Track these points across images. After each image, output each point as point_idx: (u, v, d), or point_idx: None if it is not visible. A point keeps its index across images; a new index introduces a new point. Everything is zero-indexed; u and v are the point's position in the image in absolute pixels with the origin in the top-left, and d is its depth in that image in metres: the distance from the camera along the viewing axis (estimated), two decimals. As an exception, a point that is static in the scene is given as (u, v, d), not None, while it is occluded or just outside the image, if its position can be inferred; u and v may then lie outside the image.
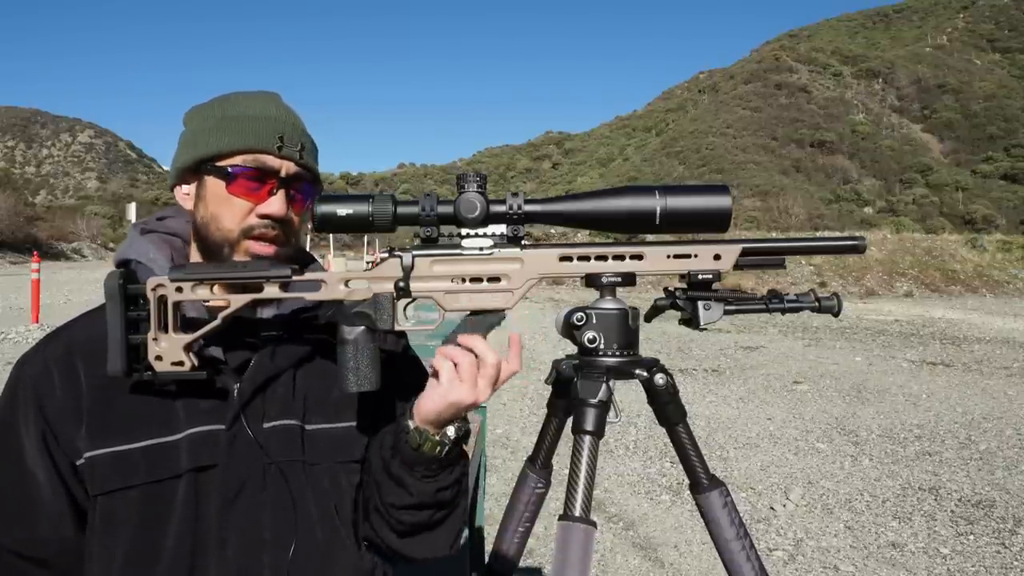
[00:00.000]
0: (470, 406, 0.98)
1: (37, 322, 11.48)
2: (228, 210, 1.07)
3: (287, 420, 1.10)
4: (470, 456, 2.21)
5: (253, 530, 1.05)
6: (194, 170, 1.10)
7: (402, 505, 1.06)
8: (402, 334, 1.27)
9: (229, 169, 1.07)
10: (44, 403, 1.03)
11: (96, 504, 1.02)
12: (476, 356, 0.97)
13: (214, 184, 1.08)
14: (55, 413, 1.03)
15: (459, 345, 0.97)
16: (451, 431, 1.02)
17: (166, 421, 1.04)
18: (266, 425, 1.08)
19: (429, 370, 1.01)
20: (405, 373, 1.24)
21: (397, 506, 1.06)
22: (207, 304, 1.06)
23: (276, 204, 1.08)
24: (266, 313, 1.12)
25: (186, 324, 1.02)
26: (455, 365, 0.96)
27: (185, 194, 1.13)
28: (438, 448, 1.01)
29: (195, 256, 1.14)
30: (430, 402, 0.98)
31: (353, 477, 1.14)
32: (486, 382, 0.97)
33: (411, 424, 1.01)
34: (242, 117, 1.09)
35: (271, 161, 1.08)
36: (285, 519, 1.07)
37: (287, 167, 1.09)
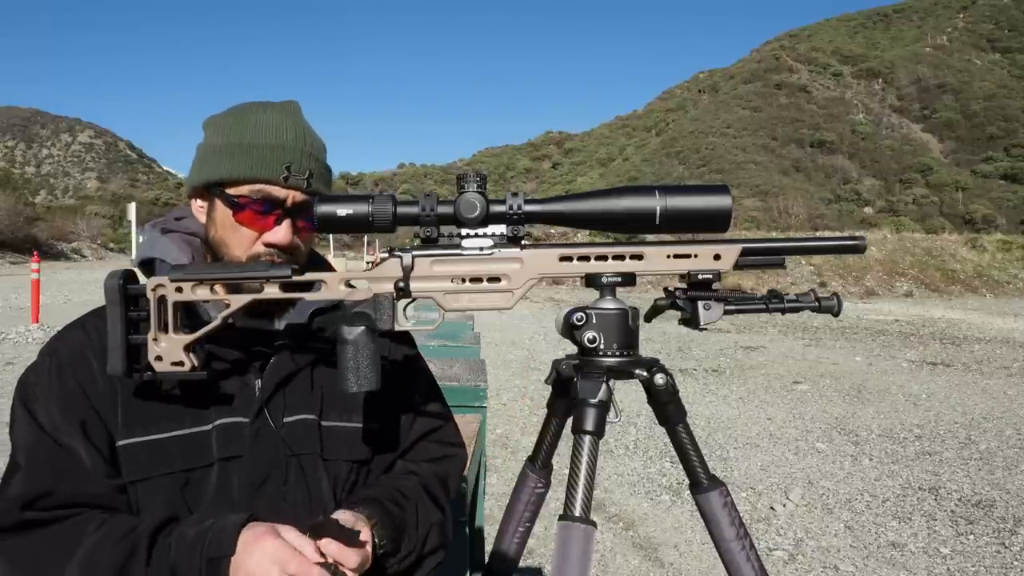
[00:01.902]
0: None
1: (37, 322, 11.46)
2: (235, 237, 1.10)
3: (305, 414, 1.14)
4: (470, 456, 2.21)
5: (276, 519, 1.08)
6: (204, 189, 1.13)
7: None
8: (413, 344, 1.30)
9: (235, 199, 1.09)
10: (86, 386, 1.05)
11: (134, 492, 1.05)
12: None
13: (222, 209, 1.11)
14: (97, 396, 1.05)
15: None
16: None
17: (197, 413, 1.08)
18: (286, 419, 1.12)
19: None
20: (417, 385, 1.29)
21: None
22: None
23: (281, 233, 1.10)
24: (282, 322, 1.16)
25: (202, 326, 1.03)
26: None
27: (200, 207, 1.16)
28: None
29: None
30: None
31: (352, 476, 1.17)
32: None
33: None
34: (251, 145, 1.10)
35: (276, 192, 1.10)
36: (303, 509, 1.11)
37: (293, 196, 1.11)
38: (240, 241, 1.10)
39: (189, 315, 1.05)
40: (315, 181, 1.13)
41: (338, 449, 1.15)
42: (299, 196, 1.11)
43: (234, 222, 1.10)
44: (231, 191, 1.10)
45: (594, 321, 1.08)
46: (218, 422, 1.08)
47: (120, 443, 1.04)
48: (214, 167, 1.10)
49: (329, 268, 1.18)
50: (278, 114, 1.14)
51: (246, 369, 1.12)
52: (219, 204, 1.11)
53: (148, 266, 1.12)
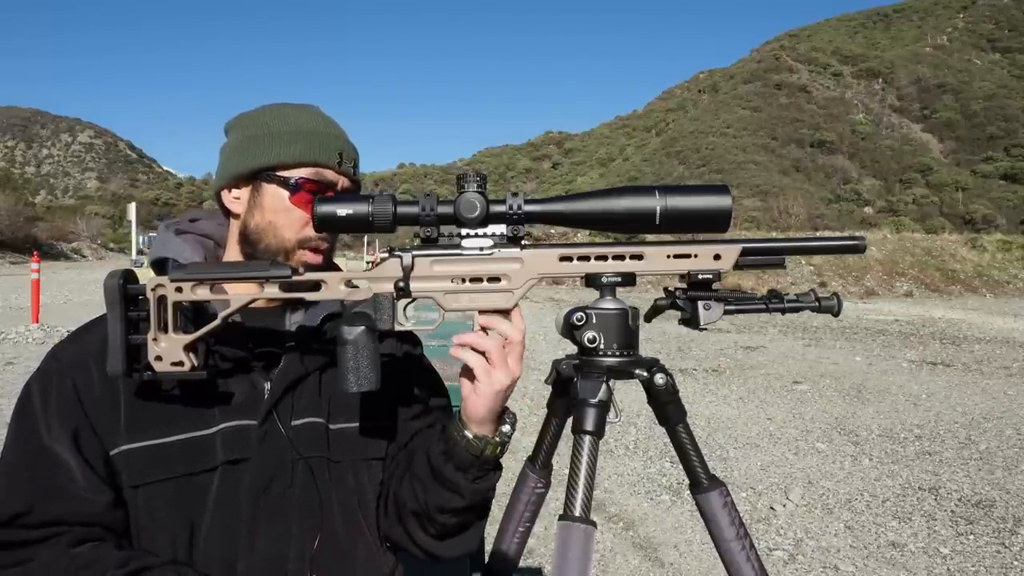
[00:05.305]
0: (512, 385, 1.01)
1: (37, 322, 11.43)
2: (287, 219, 1.11)
3: (313, 418, 1.13)
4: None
5: (281, 523, 1.08)
6: (250, 177, 1.13)
7: (450, 508, 1.08)
8: (417, 342, 1.30)
9: (294, 180, 1.11)
10: (82, 393, 1.04)
11: (136, 496, 1.03)
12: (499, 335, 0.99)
13: (274, 193, 1.12)
14: (93, 403, 1.04)
15: (478, 330, 0.99)
16: (507, 428, 1.05)
17: (201, 416, 1.07)
18: (294, 422, 1.12)
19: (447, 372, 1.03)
20: (421, 380, 1.28)
21: (445, 509, 1.09)
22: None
23: None
24: (293, 324, 1.16)
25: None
26: (483, 355, 0.98)
27: (235, 198, 1.15)
28: (498, 449, 1.05)
29: (230, 258, 1.17)
30: (477, 402, 1.00)
31: (375, 475, 1.17)
32: (516, 358, 1.00)
33: (468, 435, 1.03)
34: (309, 132, 1.13)
35: (331, 175, 1.13)
36: (310, 513, 1.10)
37: (343, 182, 1.15)
38: (291, 223, 1.11)
39: (197, 315, 1.04)
40: (357, 171, 1.18)
41: (347, 450, 1.15)
42: (346, 182, 1.15)
43: (288, 204, 1.11)
44: (286, 173, 1.11)
45: (594, 321, 1.08)
46: (223, 425, 1.07)
47: (121, 448, 1.03)
48: (266, 153, 1.12)
49: (334, 268, 1.18)
50: (314, 111, 1.18)
51: (255, 371, 1.11)
52: (268, 188, 1.12)
53: (161, 266, 1.12)
